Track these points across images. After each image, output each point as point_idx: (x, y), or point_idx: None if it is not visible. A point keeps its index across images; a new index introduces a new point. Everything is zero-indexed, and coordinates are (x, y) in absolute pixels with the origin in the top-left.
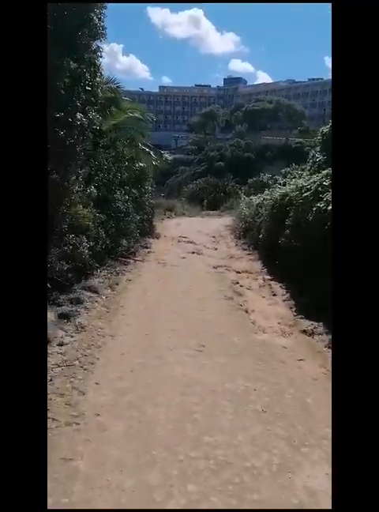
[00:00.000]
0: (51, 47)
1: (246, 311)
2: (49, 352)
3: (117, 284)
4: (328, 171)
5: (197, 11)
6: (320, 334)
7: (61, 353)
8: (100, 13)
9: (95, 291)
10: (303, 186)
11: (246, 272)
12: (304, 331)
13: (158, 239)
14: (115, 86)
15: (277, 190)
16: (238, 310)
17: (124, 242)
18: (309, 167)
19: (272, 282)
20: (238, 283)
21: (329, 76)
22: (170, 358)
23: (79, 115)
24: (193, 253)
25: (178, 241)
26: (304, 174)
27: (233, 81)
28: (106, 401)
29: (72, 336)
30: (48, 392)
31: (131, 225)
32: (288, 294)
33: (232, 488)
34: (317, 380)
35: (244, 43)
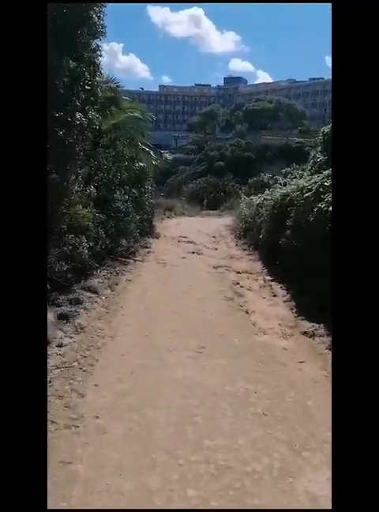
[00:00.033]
0: (50, 46)
1: (247, 312)
2: (48, 353)
3: (116, 284)
4: (330, 171)
5: (197, 10)
6: (321, 336)
7: (60, 354)
8: (100, 12)
9: (95, 292)
10: (304, 187)
11: (247, 272)
12: (305, 333)
13: (158, 238)
14: (115, 85)
15: (278, 190)
16: (239, 310)
17: (124, 242)
18: (309, 168)
19: (273, 283)
20: (238, 283)
21: (330, 75)
22: (170, 359)
23: (78, 115)
24: (193, 253)
25: (178, 241)
26: (305, 174)
27: (233, 81)
28: (106, 404)
29: (71, 337)
30: (47, 394)
31: (131, 225)
32: (289, 295)
33: (233, 493)
34: (318, 383)
35: (244, 43)
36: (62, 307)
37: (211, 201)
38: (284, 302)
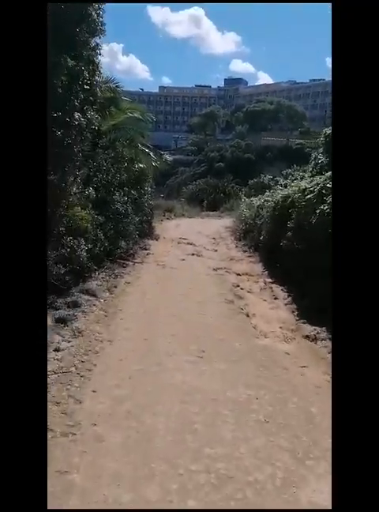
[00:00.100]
0: (48, 44)
1: (247, 315)
2: None
3: (115, 286)
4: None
5: (197, 10)
6: (323, 340)
7: (57, 359)
8: (99, 9)
9: (93, 295)
10: (306, 188)
11: (247, 274)
12: (307, 336)
13: (157, 240)
14: (115, 86)
15: (279, 191)
16: (239, 313)
17: (123, 244)
18: (311, 169)
19: (273, 285)
20: (238, 286)
21: (330, 77)
22: (169, 364)
23: (77, 115)
24: (193, 255)
25: (178, 242)
26: (306, 175)
27: (233, 82)
28: (104, 410)
29: (69, 342)
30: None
31: (130, 227)
32: (290, 297)
33: (234, 504)
34: (321, 388)
35: (245, 44)
36: (60, 311)
37: (211, 203)
38: (285, 304)
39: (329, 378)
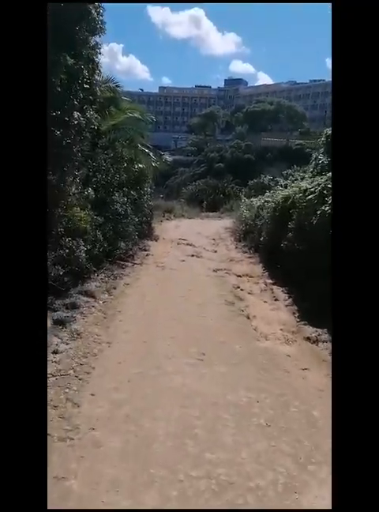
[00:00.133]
0: (48, 42)
1: (248, 317)
2: None
3: (114, 288)
4: None
5: (197, 11)
6: (324, 342)
7: (55, 362)
8: (99, 7)
9: (92, 296)
10: (307, 189)
11: (247, 275)
12: (308, 338)
13: (157, 241)
14: (114, 85)
15: (279, 192)
16: (239, 315)
17: (122, 244)
18: (311, 169)
19: (274, 286)
20: (238, 287)
21: (330, 77)
22: (169, 367)
23: (76, 114)
24: (193, 256)
25: (178, 243)
26: (306, 176)
27: (233, 82)
28: (102, 414)
29: (67, 344)
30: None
31: (129, 227)
32: (290, 299)
33: None
34: (323, 391)
35: (245, 44)
36: (58, 312)
37: (210, 203)
38: (286, 306)
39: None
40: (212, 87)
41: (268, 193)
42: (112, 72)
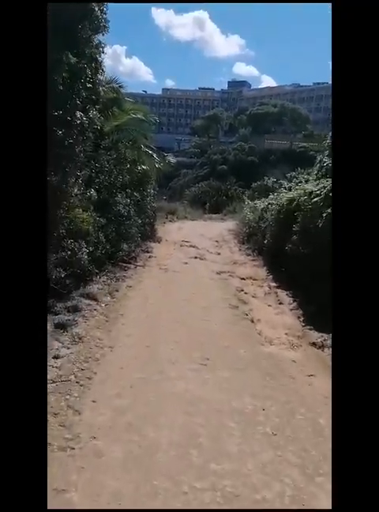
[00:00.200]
0: (49, 40)
1: (252, 321)
2: None
3: (117, 290)
4: None
5: (201, 13)
6: (330, 347)
7: (56, 367)
8: (102, 6)
9: (94, 299)
10: (312, 191)
11: (251, 278)
12: (313, 343)
13: (159, 243)
14: (118, 86)
15: (283, 194)
16: (244, 319)
17: (125, 246)
18: (316, 172)
19: (278, 289)
20: (242, 290)
21: None
22: (172, 372)
23: (79, 114)
24: (196, 258)
25: (181, 245)
26: (311, 178)
27: (237, 85)
28: (104, 422)
29: (68, 348)
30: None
31: (132, 229)
32: (295, 302)
33: None
34: (330, 398)
35: (249, 47)
36: (60, 316)
37: (213, 205)
38: (291, 310)
39: None
40: (216, 89)
41: (271, 196)
42: (116, 74)
